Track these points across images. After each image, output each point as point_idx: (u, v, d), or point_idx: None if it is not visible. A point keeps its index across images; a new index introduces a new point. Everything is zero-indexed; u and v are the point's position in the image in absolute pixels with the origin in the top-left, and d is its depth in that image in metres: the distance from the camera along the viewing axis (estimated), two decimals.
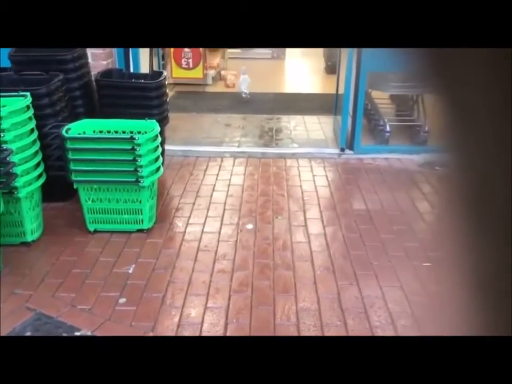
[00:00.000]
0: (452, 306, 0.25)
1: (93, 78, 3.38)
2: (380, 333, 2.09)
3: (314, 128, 4.68)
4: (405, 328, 2.12)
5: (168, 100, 3.44)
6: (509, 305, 0.20)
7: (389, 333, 2.09)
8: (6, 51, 3.16)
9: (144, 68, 4.19)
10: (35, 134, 2.69)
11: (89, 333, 2.07)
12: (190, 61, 5.88)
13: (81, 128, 2.82)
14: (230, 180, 3.59)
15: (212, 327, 2.13)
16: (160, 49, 5.81)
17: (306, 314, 2.21)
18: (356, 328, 2.12)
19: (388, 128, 4.09)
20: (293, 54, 8.00)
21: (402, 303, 2.28)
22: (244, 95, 5.36)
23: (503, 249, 0.20)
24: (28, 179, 2.60)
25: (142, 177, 2.67)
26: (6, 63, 3.16)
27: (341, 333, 2.09)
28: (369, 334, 2.09)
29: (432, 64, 0.21)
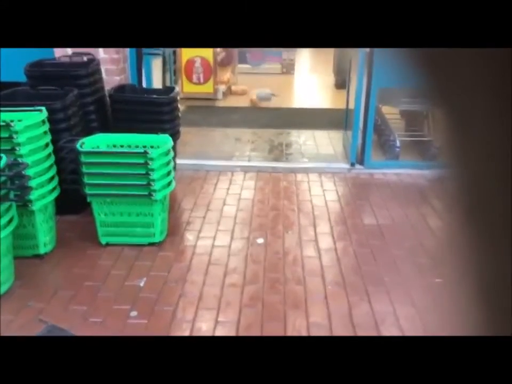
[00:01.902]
0: (455, 308, 0.25)
1: (106, 93, 3.43)
2: None
3: (324, 143, 4.70)
4: None
5: (179, 114, 3.48)
6: (509, 306, 0.20)
7: None
8: (15, 64, 3.21)
9: (157, 83, 4.25)
10: (50, 148, 2.73)
11: None
12: (201, 76, 5.95)
13: (95, 142, 2.86)
14: (240, 194, 3.61)
15: None
16: (172, 65, 5.89)
17: (317, 329, 2.20)
18: None
19: (398, 144, 4.10)
20: (303, 69, 8.06)
21: (414, 319, 2.27)
22: (265, 102, 5.51)
23: (503, 255, 0.20)
24: (42, 192, 2.63)
25: (155, 191, 2.69)
26: (22, 78, 3.22)
27: None
28: None
29: (434, 79, 0.21)
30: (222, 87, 6.17)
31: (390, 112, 4.50)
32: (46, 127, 2.70)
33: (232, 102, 6.12)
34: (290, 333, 2.18)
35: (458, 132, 0.21)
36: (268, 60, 7.59)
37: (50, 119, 2.75)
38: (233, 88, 6.47)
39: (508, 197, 0.19)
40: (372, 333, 2.18)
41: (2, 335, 2.02)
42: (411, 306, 2.35)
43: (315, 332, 2.18)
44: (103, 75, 3.51)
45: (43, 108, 2.71)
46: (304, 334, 2.17)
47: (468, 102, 0.20)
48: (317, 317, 2.29)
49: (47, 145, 2.70)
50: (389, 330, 2.20)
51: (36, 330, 2.18)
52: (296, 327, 2.21)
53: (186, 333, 2.18)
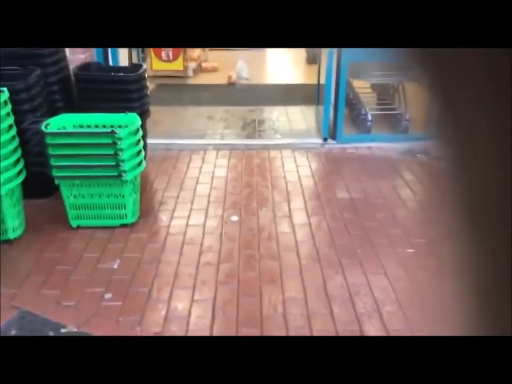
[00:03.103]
0: (450, 305, 0.25)
1: (71, 72, 3.33)
2: (365, 320, 2.12)
3: (296, 119, 4.68)
4: (390, 314, 2.14)
5: (148, 92, 3.41)
6: (509, 306, 0.20)
7: (375, 319, 2.12)
8: None
9: (123, 61, 4.14)
10: (14, 130, 2.64)
11: (75, 329, 2.06)
12: (170, 53, 5.83)
13: (60, 123, 2.78)
14: (213, 172, 3.58)
15: (199, 319, 2.13)
16: None
17: (293, 304, 2.23)
18: (342, 316, 2.14)
19: (369, 117, 4.11)
20: None
21: (387, 289, 2.31)
22: (244, 81, 5.39)
23: (501, 251, 0.20)
24: (8, 176, 2.55)
25: (124, 171, 2.64)
26: None
27: (328, 321, 2.11)
28: (356, 321, 2.11)
29: (418, 55, 0.20)
30: (192, 64, 6.06)
31: (361, 86, 4.50)
32: (9, 108, 2.60)
33: (203, 79, 6.04)
34: (267, 308, 2.19)
35: (449, 111, 0.21)
36: None
37: (13, 100, 2.65)
38: (203, 65, 6.36)
39: (507, 189, 0.19)
40: (347, 304, 2.21)
41: None
42: (384, 276, 2.39)
43: (291, 306, 2.20)
44: (67, 53, 3.39)
45: (4, 89, 2.61)
46: (280, 309, 2.19)
47: (461, 89, 0.19)
48: (293, 291, 2.31)
49: (10, 127, 2.61)
50: (363, 301, 2.23)
51: (8, 316, 2.15)
52: (272, 302, 2.23)
53: (163, 313, 2.17)
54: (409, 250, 2.56)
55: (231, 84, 5.73)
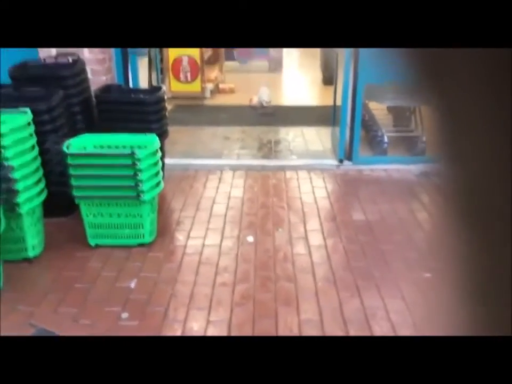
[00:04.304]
0: (449, 312, 0.25)
1: (92, 94, 3.41)
2: None
3: (312, 140, 4.71)
4: None
5: (167, 113, 3.47)
6: (509, 307, 0.20)
7: None
8: (5, 67, 3.18)
9: (143, 83, 4.23)
10: (36, 151, 2.70)
11: None
12: (188, 74, 5.93)
13: (81, 143, 2.84)
14: (229, 192, 3.60)
15: None
16: (159, 64, 5.86)
17: (309, 326, 2.21)
18: None
19: (386, 139, 4.12)
20: (290, 66, 8.06)
21: (404, 313, 2.28)
22: (264, 104, 5.45)
23: (499, 255, 0.20)
24: (29, 195, 2.61)
25: (143, 192, 2.68)
26: (6, 79, 3.19)
27: None
28: None
29: (426, 76, 0.20)
30: (210, 86, 6.15)
31: (377, 108, 4.52)
32: (32, 129, 2.67)
33: (220, 100, 6.11)
34: (282, 330, 2.18)
35: (454, 129, 0.20)
36: (255, 56, 7.58)
37: (36, 121, 2.72)
38: (221, 86, 6.45)
39: (507, 197, 0.19)
40: (363, 327, 2.19)
41: None
42: (401, 300, 2.37)
43: (307, 328, 2.19)
44: (89, 75, 3.48)
45: (28, 110, 2.68)
46: (295, 330, 2.18)
47: (463, 98, 0.19)
48: (308, 313, 2.30)
49: (33, 147, 2.68)
50: (380, 324, 2.21)
51: (25, 334, 2.17)
52: (288, 324, 2.22)
53: (178, 333, 2.17)
54: (426, 275, 2.53)
55: (252, 107, 5.75)
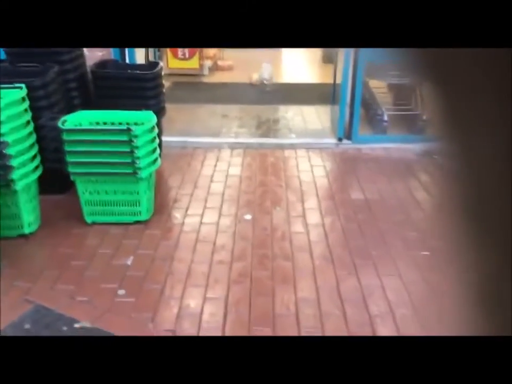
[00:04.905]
0: (451, 303, 0.25)
1: (88, 69, 3.35)
2: (379, 322, 2.10)
3: (311, 118, 4.67)
4: (404, 317, 2.12)
5: (164, 90, 3.42)
6: (509, 306, 0.20)
7: (388, 321, 2.10)
8: None
9: (140, 59, 4.17)
10: (31, 126, 2.67)
11: (88, 325, 2.07)
12: (186, 51, 5.84)
13: (77, 119, 2.80)
14: (227, 170, 3.58)
15: (211, 317, 2.13)
16: None
17: (306, 304, 2.21)
18: (355, 318, 2.13)
19: (385, 118, 4.08)
20: None
21: (401, 292, 2.28)
22: (265, 82, 5.40)
23: (502, 249, 0.20)
24: (25, 172, 2.58)
25: (140, 168, 2.66)
26: (1, 55, 3.13)
27: (340, 322, 2.10)
28: (369, 323, 2.09)
29: (425, 56, 0.20)
30: (208, 63, 6.07)
31: (378, 86, 4.47)
32: (26, 104, 2.63)
33: (219, 77, 6.04)
34: (279, 308, 2.18)
35: (455, 107, 0.20)
36: None
37: (31, 97, 2.68)
38: (219, 63, 6.37)
39: (508, 191, 0.19)
40: (359, 306, 2.20)
41: None
42: (398, 279, 2.37)
43: (303, 307, 2.19)
44: (85, 51, 3.42)
45: (23, 85, 2.64)
46: (292, 308, 2.18)
47: (464, 76, 0.19)
48: (305, 291, 2.30)
49: (27, 123, 2.64)
50: (377, 303, 2.21)
51: (23, 310, 2.17)
52: (285, 302, 2.22)
53: (175, 310, 2.17)
54: (424, 253, 2.53)
55: (252, 85, 5.68)
